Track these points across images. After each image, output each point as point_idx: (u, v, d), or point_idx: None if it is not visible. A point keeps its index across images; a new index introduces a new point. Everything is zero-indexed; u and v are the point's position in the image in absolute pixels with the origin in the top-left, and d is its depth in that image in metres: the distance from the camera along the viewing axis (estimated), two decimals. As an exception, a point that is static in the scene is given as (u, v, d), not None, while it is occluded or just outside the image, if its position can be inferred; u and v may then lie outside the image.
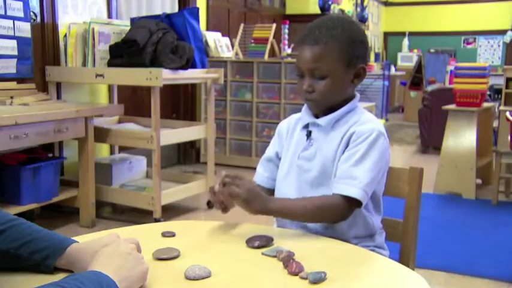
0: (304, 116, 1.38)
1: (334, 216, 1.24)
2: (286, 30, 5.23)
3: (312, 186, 1.32)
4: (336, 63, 1.27)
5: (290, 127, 1.42)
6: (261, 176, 1.44)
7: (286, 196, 1.36)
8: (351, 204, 1.22)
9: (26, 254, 0.96)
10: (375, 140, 1.25)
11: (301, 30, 1.34)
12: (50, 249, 0.97)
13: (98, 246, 0.95)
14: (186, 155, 5.16)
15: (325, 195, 1.25)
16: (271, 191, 1.43)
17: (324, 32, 1.26)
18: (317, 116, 1.35)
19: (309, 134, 1.35)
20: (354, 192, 1.20)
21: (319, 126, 1.33)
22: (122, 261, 0.88)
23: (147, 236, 1.19)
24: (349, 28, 1.29)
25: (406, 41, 11.81)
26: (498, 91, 6.51)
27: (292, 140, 1.39)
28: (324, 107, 1.32)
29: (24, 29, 3.20)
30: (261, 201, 1.19)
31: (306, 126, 1.36)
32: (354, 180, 1.21)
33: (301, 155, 1.34)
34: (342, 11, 8.37)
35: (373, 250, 1.19)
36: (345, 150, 1.28)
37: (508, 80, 4.56)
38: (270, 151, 1.45)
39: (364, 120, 1.30)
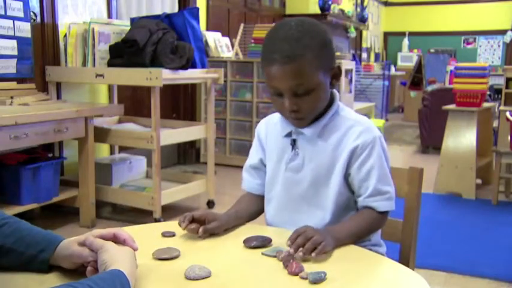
0: (284, 123, 1.30)
1: (378, 228, 1.33)
2: (286, 30, 5.22)
3: (304, 198, 1.28)
4: (318, 74, 1.18)
5: (268, 131, 1.36)
6: (251, 183, 1.39)
7: (277, 205, 1.33)
8: (386, 213, 1.30)
9: (21, 249, 0.97)
10: (379, 147, 1.26)
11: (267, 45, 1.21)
12: (44, 243, 0.98)
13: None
14: (186, 155, 5.16)
15: (363, 212, 1.26)
16: (262, 198, 1.38)
17: (295, 45, 1.15)
18: None
19: (293, 143, 1.28)
20: (387, 205, 1.27)
21: (305, 134, 1.27)
22: (130, 259, 0.92)
23: (147, 236, 1.19)
24: (315, 33, 1.19)
25: (406, 41, 11.82)
26: (498, 91, 6.51)
27: (273, 146, 1.33)
28: (310, 120, 1.26)
29: (24, 29, 3.20)
30: (328, 233, 1.14)
31: (289, 134, 1.29)
32: (384, 195, 1.26)
33: (288, 166, 1.29)
34: (342, 11, 8.38)
35: (370, 249, 1.19)
36: (348, 164, 1.24)
37: (508, 80, 4.57)
38: (253, 158, 1.39)
39: (360, 129, 1.25)
